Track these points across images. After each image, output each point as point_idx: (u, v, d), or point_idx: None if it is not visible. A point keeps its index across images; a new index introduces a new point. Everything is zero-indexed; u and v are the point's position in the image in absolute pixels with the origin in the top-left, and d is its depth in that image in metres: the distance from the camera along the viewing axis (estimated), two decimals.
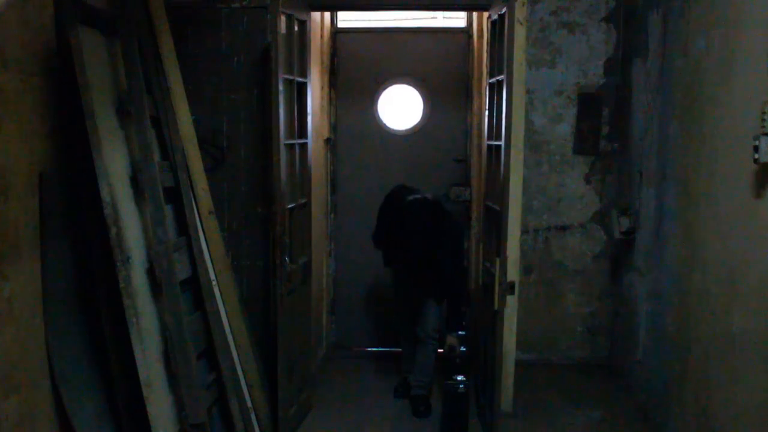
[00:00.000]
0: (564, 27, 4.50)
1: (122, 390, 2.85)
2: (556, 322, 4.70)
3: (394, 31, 4.89)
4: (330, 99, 4.82)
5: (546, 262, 4.67)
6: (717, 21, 3.01)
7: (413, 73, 4.85)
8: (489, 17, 3.75)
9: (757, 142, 2.42)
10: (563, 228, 4.65)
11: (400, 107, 4.91)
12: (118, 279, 2.68)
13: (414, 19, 4.88)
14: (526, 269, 4.59)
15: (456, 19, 4.91)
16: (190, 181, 3.39)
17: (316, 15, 4.18)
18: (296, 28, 3.57)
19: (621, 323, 4.47)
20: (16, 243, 2.51)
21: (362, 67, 4.86)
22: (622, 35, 4.46)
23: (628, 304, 4.30)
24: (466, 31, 4.83)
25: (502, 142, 3.34)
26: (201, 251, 3.27)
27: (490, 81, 3.68)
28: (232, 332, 3.47)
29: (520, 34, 3.47)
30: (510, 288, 3.40)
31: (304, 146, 3.73)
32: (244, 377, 3.48)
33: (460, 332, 3.74)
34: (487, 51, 4.11)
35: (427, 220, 3.63)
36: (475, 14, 4.67)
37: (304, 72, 3.68)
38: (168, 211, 3.09)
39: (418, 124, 4.87)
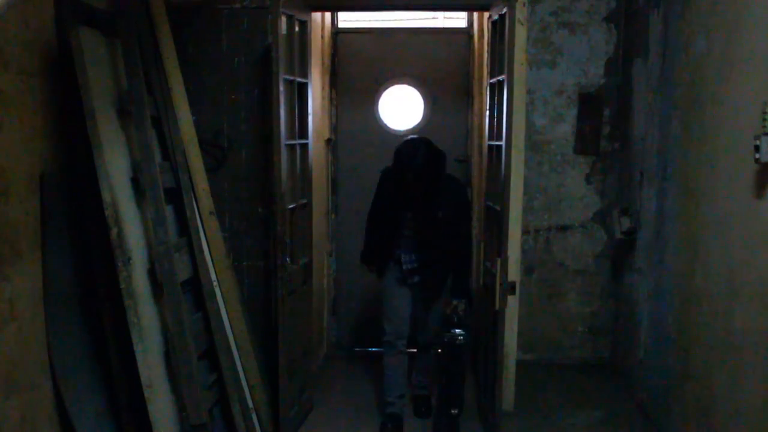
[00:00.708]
0: (564, 27, 4.49)
1: (123, 390, 2.85)
2: (557, 322, 4.69)
3: (394, 32, 4.89)
4: (331, 99, 4.81)
5: (547, 262, 4.66)
6: (718, 21, 3.01)
7: (414, 74, 4.85)
8: (489, 17, 3.74)
9: (757, 142, 2.42)
10: (564, 228, 4.64)
11: (401, 107, 4.90)
12: (119, 279, 2.69)
13: (414, 19, 4.88)
14: (527, 269, 4.59)
15: (456, 20, 4.91)
16: (191, 182, 3.39)
17: (316, 15, 4.18)
18: (297, 29, 3.57)
19: (622, 323, 4.46)
20: (17, 244, 2.51)
21: (363, 67, 4.85)
22: (622, 35, 4.46)
23: (629, 304, 4.30)
24: (466, 32, 4.83)
25: (502, 143, 3.34)
26: (202, 252, 3.28)
27: (491, 81, 3.68)
28: (233, 332, 3.47)
29: (520, 34, 3.47)
30: (511, 288, 3.40)
31: (304, 146, 3.73)
32: (245, 377, 3.48)
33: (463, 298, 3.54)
34: (487, 51, 4.10)
35: (425, 153, 3.39)
36: (475, 14, 4.67)
37: (304, 72, 3.68)
38: (169, 211, 3.09)
39: (418, 124, 4.86)
